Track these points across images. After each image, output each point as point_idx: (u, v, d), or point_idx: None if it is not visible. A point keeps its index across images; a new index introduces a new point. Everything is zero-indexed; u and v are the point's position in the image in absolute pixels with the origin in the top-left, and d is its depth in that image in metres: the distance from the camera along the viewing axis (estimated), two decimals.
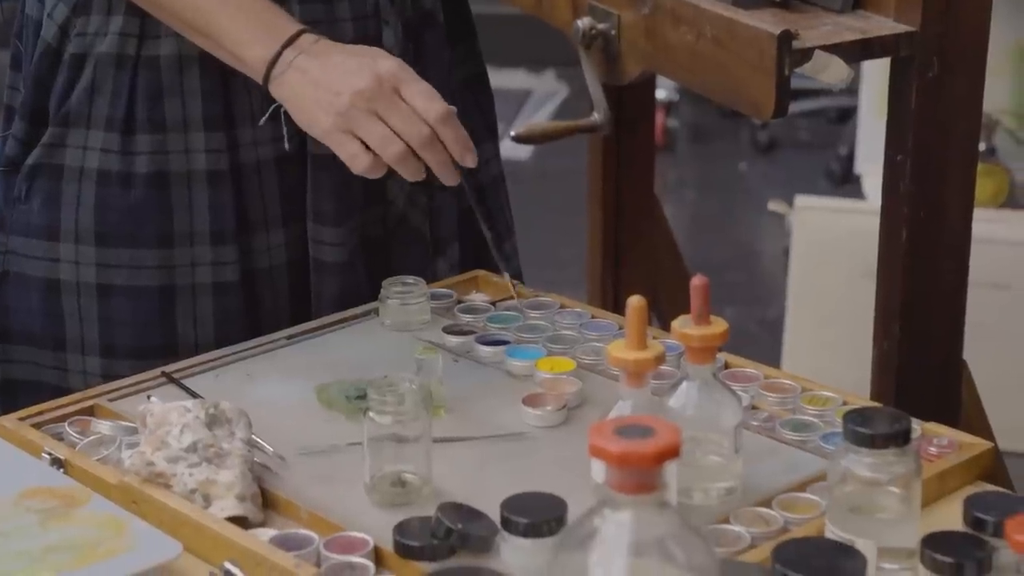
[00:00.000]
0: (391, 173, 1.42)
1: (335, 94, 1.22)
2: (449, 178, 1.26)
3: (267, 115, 1.30)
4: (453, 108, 1.25)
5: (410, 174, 1.25)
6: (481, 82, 1.55)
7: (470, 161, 1.25)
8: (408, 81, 1.24)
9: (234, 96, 1.35)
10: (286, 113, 1.28)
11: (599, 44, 1.58)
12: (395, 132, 1.22)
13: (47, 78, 1.36)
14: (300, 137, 1.38)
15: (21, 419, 1.18)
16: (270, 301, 1.40)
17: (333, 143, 1.24)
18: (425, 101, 1.23)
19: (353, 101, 1.22)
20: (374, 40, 1.39)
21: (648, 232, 2.00)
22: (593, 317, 1.38)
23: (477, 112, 1.54)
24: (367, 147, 1.23)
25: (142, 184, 1.34)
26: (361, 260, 1.43)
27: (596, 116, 1.63)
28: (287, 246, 1.39)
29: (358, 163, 1.23)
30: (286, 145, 1.33)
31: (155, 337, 1.36)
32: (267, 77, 1.26)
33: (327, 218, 1.38)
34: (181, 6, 1.28)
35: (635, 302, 1.04)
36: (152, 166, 1.34)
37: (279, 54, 1.25)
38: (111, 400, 1.23)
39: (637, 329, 1.04)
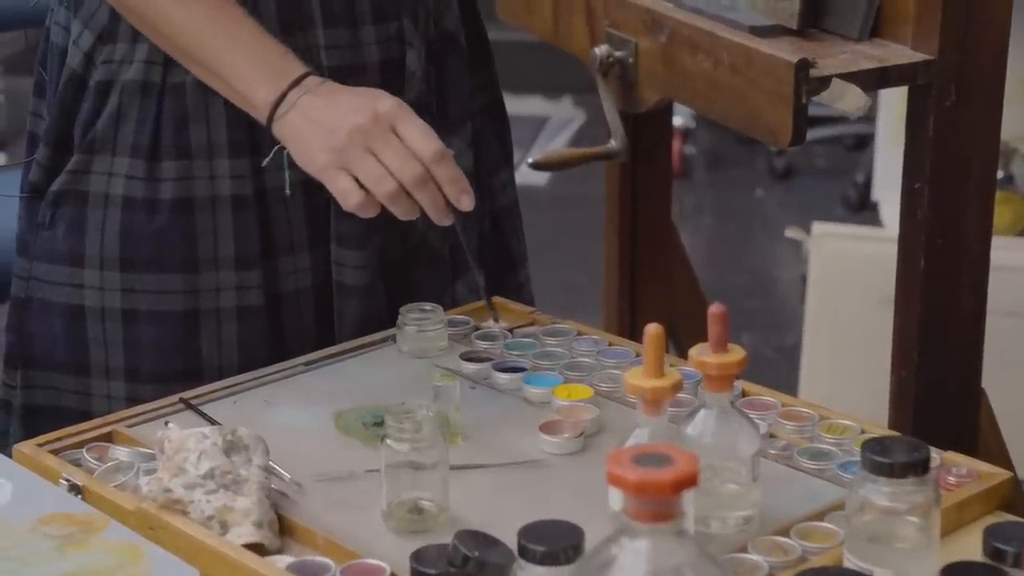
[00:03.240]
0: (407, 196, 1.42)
1: (331, 131, 1.23)
2: (442, 218, 1.26)
3: (269, 156, 1.31)
4: (449, 150, 1.25)
5: (402, 213, 1.25)
6: (498, 109, 1.56)
7: (465, 203, 1.25)
8: (405, 119, 1.24)
9: (259, 122, 1.35)
10: (289, 156, 1.28)
11: (616, 71, 1.59)
12: (389, 170, 1.22)
13: (72, 105, 1.37)
14: None
15: (39, 445, 1.18)
16: (295, 324, 1.40)
17: (327, 179, 1.24)
18: (420, 140, 1.23)
19: (350, 137, 1.22)
20: (397, 63, 1.40)
21: (665, 259, 2.00)
22: (610, 344, 1.38)
23: (495, 139, 1.54)
24: (361, 184, 1.23)
25: (167, 210, 1.35)
26: (382, 283, 1.43)
27: (613, 143, 1.64)
28: (312, 269, 1.40)
29: (350, 199, 1.24)
30: (287, 190, 1.33)
31: (179, 361, 1.37)
32: (271, 117, 1.26)
33: (350, 241, 1.39)
34: (187, 39, 1.29)
35: (652, 330, 1.04)
36: (177, 192, 1.35)
37: (284, 94, 1.26)
38: (129, 426, 1.23)
39: (654, 357, 1.04)
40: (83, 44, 1.36)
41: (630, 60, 1.56)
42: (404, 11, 1.39)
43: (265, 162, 1.32)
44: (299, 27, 1.35)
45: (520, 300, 1.50)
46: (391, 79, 1.40)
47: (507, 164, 1.56)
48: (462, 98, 1.46)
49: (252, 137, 1.35)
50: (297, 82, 1.26)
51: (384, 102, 1.24)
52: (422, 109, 1.41)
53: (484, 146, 1.52)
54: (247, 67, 1.27)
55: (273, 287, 1.38)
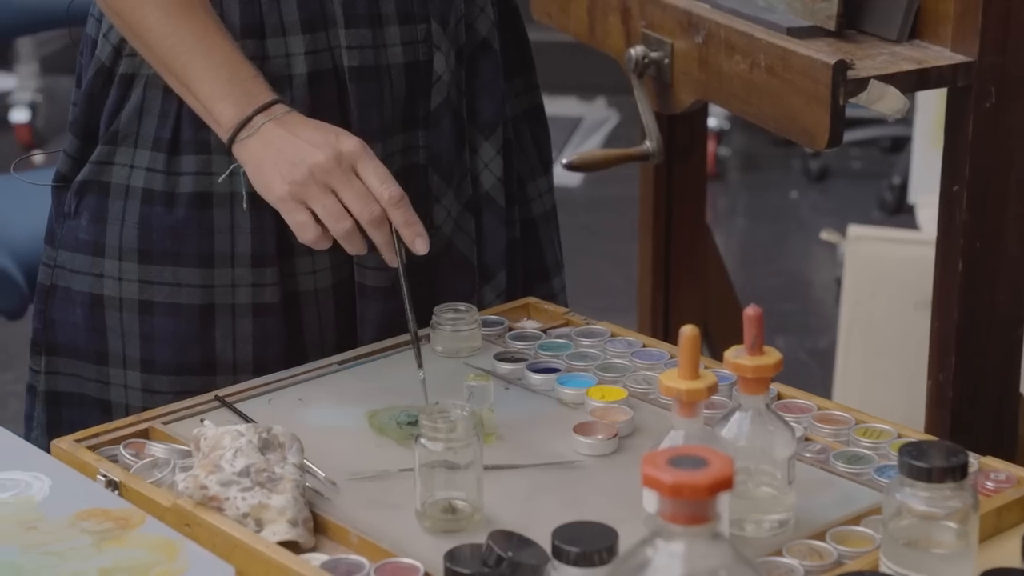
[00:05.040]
0: (437, 198, 1.43)
1: (293, 164, 1.25)
2: (391, 259, 1.27)
3: (227, 173, 1.32)
4: (405, 194, 1.26)
5: (353, 249, 1.27)
6: (538, 116, 1.55)
7: (420, 246, 1.27)
8: (366, 161, 1.26)
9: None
10: (245, 174, 1.30)
11: (652, 72, 1.58)
12: (346, 208, 1.24)
13: (99, 97, 1.39)
14: None
15: (77, 441, 1.19)
16: (314, 324, 1.40)
17: (284, 210, 1.26)
18: (379, 182, 1.25)
19: (311, 173, 1.24)
20: (424, 67, 1.40)
21: (699, 260, 2.00)
22: (644, 346, 1.38)
23: (532, 145, 1.54)
24: (317, 218, 1.25)
25: (185, 204, 1.36)
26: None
27: (648, 144, 1.63)
28: (332, 269, 1.40)
29: (306, 233, 1.26)
30: (244, 206, 1.34)
31: (194, 355, 1.38)
32: (233, 138, 1.27)
33: (370, 242, 1.39)
34: (164, 50, 1.29)
35: (688, 332, 1.03)
36: (196, 187, 1.36)
37: (250, 118, 1.27)
38: (165, 423, 1.24)
39: (690, 358, 1.03)
40: (112, 37, 1.37)
41: (666, 61, 1.56)
42: (432, 14, 1.39)
43: (221, 179, 1.33)
44: (320, 26, 1.35)
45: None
46: (417, 82, 1.40)
47: (545, 172, 1.55)
48: (494, 104, 1.45)
49: None
50: (264, 108, 1.27)
51: (347, 142, 1.26)
52: (451, 114, 1.42)
53: (520, 153, 1.51)
54: (217, 84, 1.28)
55: (291, 286, 1.39)
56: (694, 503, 0.79)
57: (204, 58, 1.29)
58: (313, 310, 1.40)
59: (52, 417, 1.43)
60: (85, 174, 1.39)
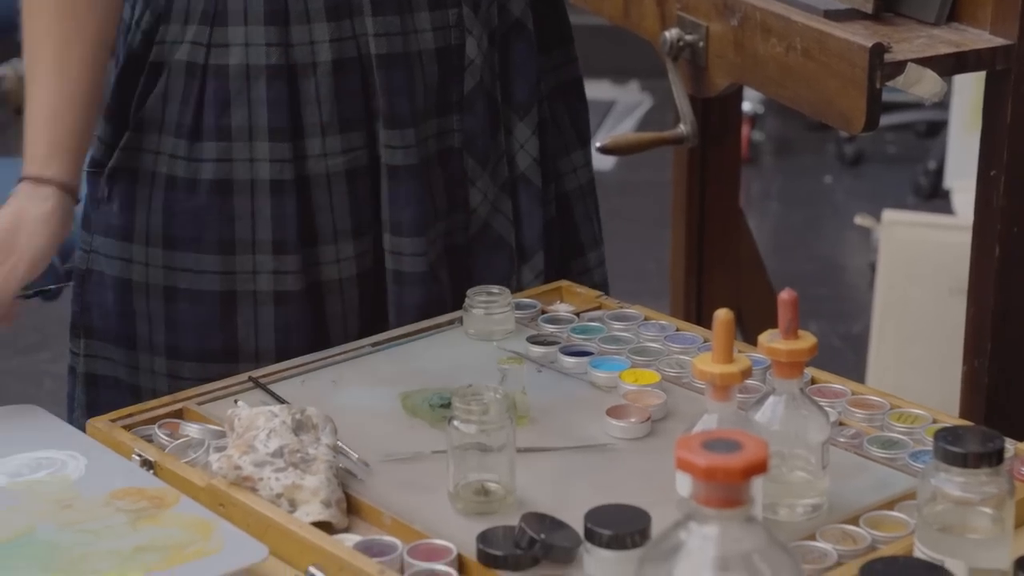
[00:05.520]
0: (472, 181, 1.43)
1: None
2: None
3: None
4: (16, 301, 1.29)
5: None
6: (576, 89, 1.54)
7: None
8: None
9: (303, 107, 1.36)
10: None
11: (686, 55, 1.58)
12: None
13: (130, 83, 1.39)
14: (370, 150, 1.38)
15: (112, 420, 1.20)
16: (338, 312, 1.41)
17: None
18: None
19: None
20: (456, 51, 1.40)
21: (732, 245, 1.99)
22: (678, 330, 1.38)
23: (568, 119, 1.53)
24: None
25: (206, 190, 1.36)
26: (445, 269, 1.43)
27: (682, 128, 1.63)
28: (357, 258, 1.40)
29: None
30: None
31: (216, 342, 1.38)
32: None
33: (405, 229, 1.39)
34: (29, 59, 1.33)
35: (723, 315, 1.03)
36: (217, 173, 1.36)
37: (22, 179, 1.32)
38: (199, 403, 1.24)
39: (724, 342, 1.03)
40: (143, 24, 1.38)
41: (701, 44, 1.55)
42: None
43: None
44: (346, 14, 1.35)
45: (590, 284, 1.50)
46: (449, 66, 1.40)
47: (582, 145, 1.54)
48: (528, 84, 1.45)
49: (295, 122, 1.36)
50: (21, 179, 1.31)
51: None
52: (484, 96, 1.42)
53: (554, 128, 1.51)
54: (38, 130, 1.32)
55: (314, 275, 1.39)
56: (728, 486, 0.79)
57: (38, 106, 1.33)
58: (337, 299, 1.40)
59: (91, 398, 1.44)
60: (116, 160, 1.40)
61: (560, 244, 1.51)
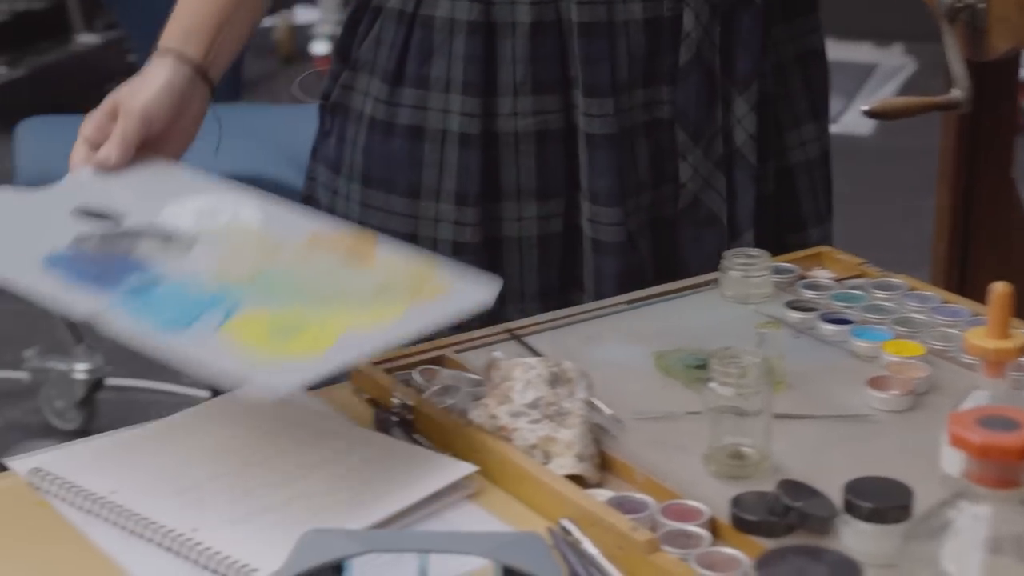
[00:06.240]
0: (683, 155, 1.40)
1: None
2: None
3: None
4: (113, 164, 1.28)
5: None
6: (815, 59, 1.50)
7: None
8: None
9: (498, 66, 1.37)
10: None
11: (965, 17, 1.52)
12: None
13: (354, 24, 1.44)
14: (566, 114, 1.38)
15: (375, 364, 1.23)
16: (515, 271, 1.42)
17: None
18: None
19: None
20: (670, 23, 1.37)
21: (1002, 217, 1.91)
22: (945, 302, 1.33)
23: (803, 90, 1.48)
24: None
25: (401, 135, 1.40)
26: (647, 240, 1.42)
27: (956, 92, 1.56)
28: (540, 220, 1.41)
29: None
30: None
31: None
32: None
33: (602, 197, 1.39)
34: None
35: (1000, 288, 0.99)
36: (412, 120, 1.39)
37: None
38: (457, 352, 1.27)
39: (1000, 317, 0.99)
40: None
41: (981, 5, 1.49)
42: None
43: None
44: None
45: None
46: (661, 38, 1.37)
47: (815, 119, 1.50)
48: (751, 59, 1.41)
49: (489, 79, 1.37)
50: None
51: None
52: (701, 70, 1.39)
53: (784, 100, 1.47)
54: (174, 19, 1.36)
55: (494, 229, 1.41)
56: (1004, 465, 0.76)
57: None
58: (515, 257, 1.41)
59: None
60: (335, 96, 1.46)
61: (777, 217, 1.47)
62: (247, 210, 1.19)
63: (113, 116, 1.30)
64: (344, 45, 1.46)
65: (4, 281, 1.13)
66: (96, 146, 1.30)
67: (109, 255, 1.16)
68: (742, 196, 1.44)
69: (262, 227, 1.17)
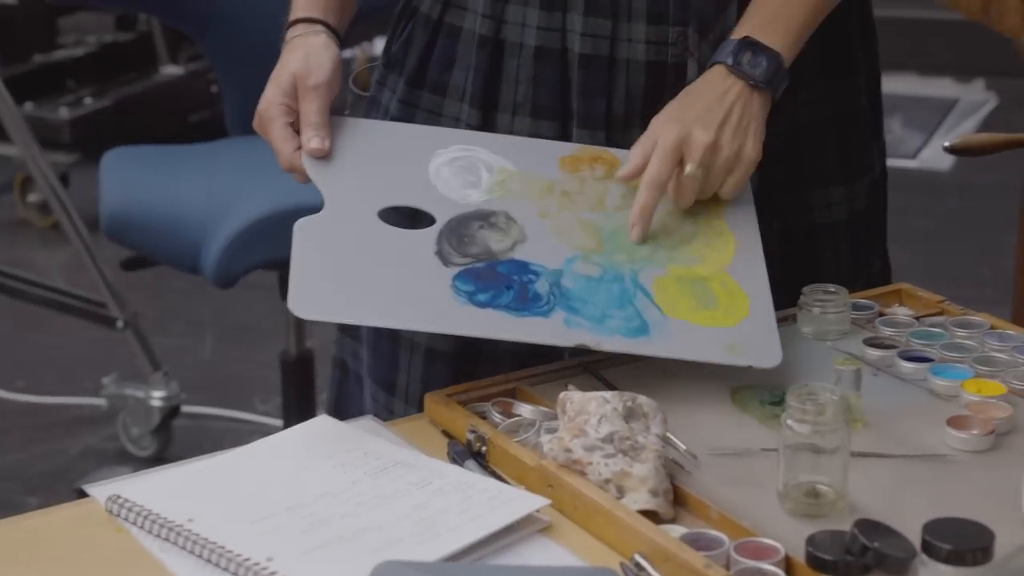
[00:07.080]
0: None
1: None
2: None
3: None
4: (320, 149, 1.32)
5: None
6: (852, 120, 1.45)
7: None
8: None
9: (502, 83, 1.38)
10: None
11: None
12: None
13: (396, 23, 1.47)
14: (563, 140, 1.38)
15: (449, 395, 1.23)
16: None
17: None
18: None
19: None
20: (674, 69, 1.35)
21: None
22: None
23: (836, 151, 1.44)
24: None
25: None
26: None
27: None
28: None
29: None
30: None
31: None
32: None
33: None
34: None
35: None
36: (426, 123, 1.41)
37: (291, 24, 1.38)
38: (532, 385, 1.27)
39: None
40: None
41: None
42: (691, 19, 1.34)
43: None
44: (559, 6, 1.35)
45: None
46: (663, 82, 1.35)
47: (846, 181, 1.45)
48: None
49: (490, 94, 1.38)
50: (293, 24, 1.37)
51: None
52: None
53: (808, 160, 1.43)
54: None
55: None
56: None
57: None
58: None
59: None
60: (372, 90, 1.49)
61: (793, 280, 1.39)
62: (485, 156, 1.27)
63: (293, 96, 1.34)
64: (387, 43, 1.49)
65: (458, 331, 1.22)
66: (296, 130, 1.34)
67: (490, 265, 1.23)
68: None
69: (519, 169, 1.25)
